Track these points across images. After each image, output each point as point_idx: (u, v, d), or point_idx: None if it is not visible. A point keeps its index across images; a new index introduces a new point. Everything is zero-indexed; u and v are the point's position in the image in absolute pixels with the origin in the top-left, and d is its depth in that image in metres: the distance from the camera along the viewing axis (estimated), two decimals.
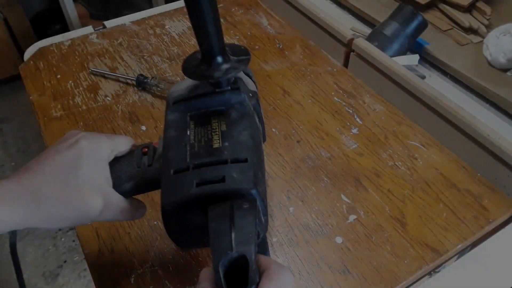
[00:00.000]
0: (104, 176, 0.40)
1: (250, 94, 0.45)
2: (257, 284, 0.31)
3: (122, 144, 0.43)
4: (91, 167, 0.39)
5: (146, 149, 0.44)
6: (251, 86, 0.48)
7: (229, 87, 0.43)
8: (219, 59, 0.41)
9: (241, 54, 0.43)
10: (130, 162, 0.44)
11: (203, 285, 0.32)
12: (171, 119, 0.43)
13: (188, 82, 0.45)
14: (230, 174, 0.37)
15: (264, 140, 0.49)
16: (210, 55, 0.41)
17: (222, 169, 0.38)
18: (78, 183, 0.38)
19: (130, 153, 0.45)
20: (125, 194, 0.44)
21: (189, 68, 0.43)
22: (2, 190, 0.36)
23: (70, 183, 0.38)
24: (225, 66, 0.41)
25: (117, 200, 0.41)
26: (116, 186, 0.42)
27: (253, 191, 0.36)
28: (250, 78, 0.49)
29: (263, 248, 0.42)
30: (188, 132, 0.41)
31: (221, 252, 0.31)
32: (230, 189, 0.36)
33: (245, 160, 0.38)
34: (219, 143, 0.40)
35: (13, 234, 0.48)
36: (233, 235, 0.32)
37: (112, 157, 0.42)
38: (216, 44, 0.40)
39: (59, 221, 0.38)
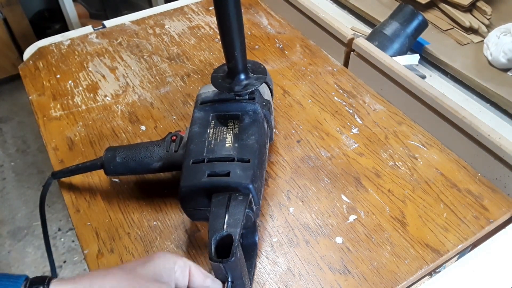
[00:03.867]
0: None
1: (264, 103, 0.55)
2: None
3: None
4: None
5: (175, 137, 0.54)
6: (266, 95, 0.57)
7: (247, 97, 0.52)
8: (241, 76, 0.51)
9: (260, 72, 0.53)
10: (161, 146, 0.54)
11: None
12: (197, 116, 0.53)
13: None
14: (234, 170, 0.46)
15: (271, 140, 0.59)
16: (234, 72, 0.51)
17: (229, 165, 0.47)
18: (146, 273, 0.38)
19: (163, 139, 0.55)
20: (154, 171, 0.54)
21: (216, 78, 0.53)
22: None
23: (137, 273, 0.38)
24: (245, 82, 0.52)
25: None
26: (148, 164, 0.54)
27: (250, 186, 0.45)
28: (268, 86, 0.59)
29: (253, 229, 0.51)
30: (208, 130, 0.51)
31: (215, 230, 0.40)
32: (232, 182, 0.45)
33: (248, 161, 0.47)
34: (231, 143, 0.49)
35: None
36: (226, 219, 0.41)
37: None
38: (239, 64, 0.50)
39: None
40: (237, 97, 0.53)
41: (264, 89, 0.57)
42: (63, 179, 0.61)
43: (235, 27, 0.46)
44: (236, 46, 0.48)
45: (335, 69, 0.79)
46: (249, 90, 0.52)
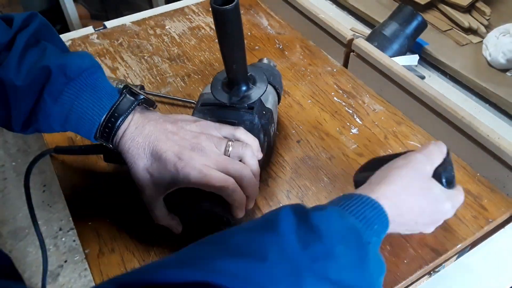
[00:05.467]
0: None
1: (264, 112, 0.54)
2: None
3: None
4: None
5: None
6: (269, 103, 0.56)
7: (246, 105, 0.52)
8: (240, 87, 0.51)
9: (261, 84, 0.53)
10: None
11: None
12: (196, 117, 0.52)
13: None
14: None
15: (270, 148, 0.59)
16: (233, 82, 0.51)
17: None
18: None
19: None
20: None
21: (215, 85, 0.53)
22: None
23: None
24: (242, 93, 0.51)
25: None
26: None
27: None
28: (276, 90, 0.59)
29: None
30: None
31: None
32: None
33: None
34: None
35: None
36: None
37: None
38: (238, 77, 0.50)
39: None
40: (236, 105, 0.52)
41: (268, 96, 0.57)
42: (63, 179, 0.61)
43: (235, 43, 0.46)
44: (236, 59, 0.47)
45: (334, 70, 0.80)
46: (246, 104, 0.51)
